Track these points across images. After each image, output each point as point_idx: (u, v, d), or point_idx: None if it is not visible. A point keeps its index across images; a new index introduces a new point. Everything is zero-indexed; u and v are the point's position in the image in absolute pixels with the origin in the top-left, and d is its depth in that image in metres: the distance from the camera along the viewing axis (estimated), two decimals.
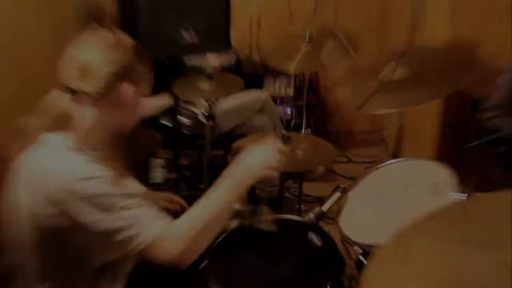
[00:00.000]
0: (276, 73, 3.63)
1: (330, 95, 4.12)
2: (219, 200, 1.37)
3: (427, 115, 3.17)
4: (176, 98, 2.57)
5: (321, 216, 1.86)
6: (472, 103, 2.82)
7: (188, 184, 2.68)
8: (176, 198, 1.82)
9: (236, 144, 2.25)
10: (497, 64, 2.85)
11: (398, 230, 1.45)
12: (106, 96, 1.34)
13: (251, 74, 3.57)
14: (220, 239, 1.78)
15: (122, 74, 1.35)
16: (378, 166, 1.91)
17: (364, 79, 1.95)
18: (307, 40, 2.31)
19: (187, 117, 2.90)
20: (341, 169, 3.70)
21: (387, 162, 1.92)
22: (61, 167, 1.28)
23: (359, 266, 1.79)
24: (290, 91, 3.62)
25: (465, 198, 1.57)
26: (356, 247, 1.67)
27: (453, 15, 2.95)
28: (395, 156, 2.08)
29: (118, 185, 1.30)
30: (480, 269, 0.76)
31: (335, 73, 2.24)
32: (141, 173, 3.04)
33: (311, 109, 3.63)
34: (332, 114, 4.22)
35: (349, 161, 3.92)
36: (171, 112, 2.68)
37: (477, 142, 2.78)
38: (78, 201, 1.24)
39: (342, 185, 1.93)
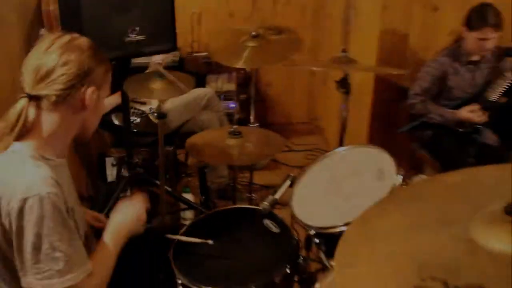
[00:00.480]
0: (218, 70, 3.65)
1: (270, 89, 4.20)
2: (107, 252, 1.44)
3: (360, 105, 3.30)
4: (125, 97, 2.54)
5: (275, 204, 1.92)
6: (399, 92, 2.98)
7: (143, 181, 2.67)
8: (102, 217, 1.76)
9: (190, 141, 2.26)
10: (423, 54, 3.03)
11: (354, 213, 1.53)
12: (66, 100, 1.30)
13: (194, 72, 3.56)
14: (182, 230, 1.81)
15: (81, 76, 1.31)
16: (326, 154, 1.99)
17: None
18: (254, 36, 2.30)
19: (136, 116, 2.88)
20: (283, 158, 3.76)
21: (333, 151, 2.00)
22: (17, 179, 1.24)
23: (308, 246, 1.88)
24: (233, 87, 3.65)
25: (404, 181, 1.68)
26: (311, 231, 1.73)
27: (384, 8, 3.07)
28: (340, 144, 2.17)
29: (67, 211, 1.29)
30: (439, 243, 0.83)
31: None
32: (95, 173, 2.99)
33: (254, 103, 3.68)
34: (271, 107, 4.30)
35: (290, 150, 4.00)
36: (121, 111, 2.65)
37: (406, 127, 2.95)
38: (19, 219, 1.22)
39: (292, 174, 2.00)
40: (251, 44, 2.28)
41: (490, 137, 2.81)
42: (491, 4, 2.61)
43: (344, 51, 2.09)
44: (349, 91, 2.13)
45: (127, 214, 1.54)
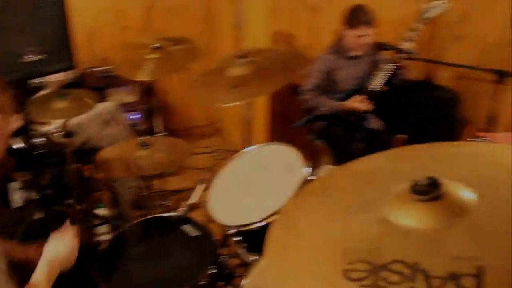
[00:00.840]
0: (118, 83, 3.53)
1: (168, 97, 4.15)
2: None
3: (257, 105, 3.36)
4: (27, 119, 2.39)
5: (191, 208, 1.90)
6: (292, 90, 3.08)
7: (52, 202, 2.52)
8: (31, 250, 1.62)
9: (100, 157, 2.17)
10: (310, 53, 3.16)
11: (269, 208, 1.55)
12: None
13: (93, 87, 3.41)
14: (103, 247, 1.73)
15: None
16: (235, 155, 2.00)
17: (214, 79, 2.02)
18: (155, 48, 2.24)
19: (39, 136, 2.71)
20: (189, 161, 3.71)
21: (242, 150, 2.01)
22: None
23: (225, 244, 1.89)
24: (135, 98, 3.55)
25: (312, 171, 1.74)
26: (231, 230, 1.74)
27: (272, 12, 3.15)
28: (244, 144, 2.19)
29: None
30: (358, 228, 0.87)
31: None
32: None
33: (156, 112, 3.62)
34: (171, 114, 4.25)
35: (195, 153, 3.97)
36: (22, 133, 2.48)
37: (300, 122, 3.06)
38: None
39: (204, 177, 1.99)
40: (152, 56, 2.22)
41: (375, 123, 2.99)
42: (364, 5, 2.81)
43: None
44: None
45: (60, 248, 1.48)
